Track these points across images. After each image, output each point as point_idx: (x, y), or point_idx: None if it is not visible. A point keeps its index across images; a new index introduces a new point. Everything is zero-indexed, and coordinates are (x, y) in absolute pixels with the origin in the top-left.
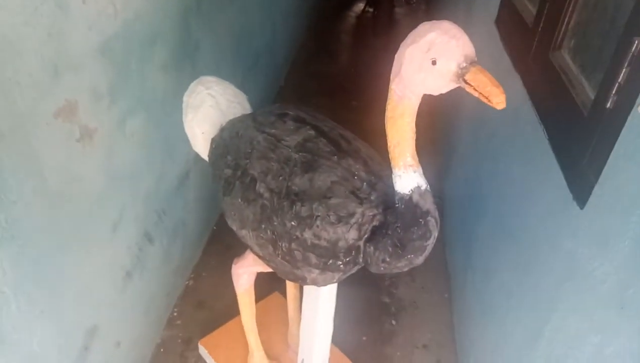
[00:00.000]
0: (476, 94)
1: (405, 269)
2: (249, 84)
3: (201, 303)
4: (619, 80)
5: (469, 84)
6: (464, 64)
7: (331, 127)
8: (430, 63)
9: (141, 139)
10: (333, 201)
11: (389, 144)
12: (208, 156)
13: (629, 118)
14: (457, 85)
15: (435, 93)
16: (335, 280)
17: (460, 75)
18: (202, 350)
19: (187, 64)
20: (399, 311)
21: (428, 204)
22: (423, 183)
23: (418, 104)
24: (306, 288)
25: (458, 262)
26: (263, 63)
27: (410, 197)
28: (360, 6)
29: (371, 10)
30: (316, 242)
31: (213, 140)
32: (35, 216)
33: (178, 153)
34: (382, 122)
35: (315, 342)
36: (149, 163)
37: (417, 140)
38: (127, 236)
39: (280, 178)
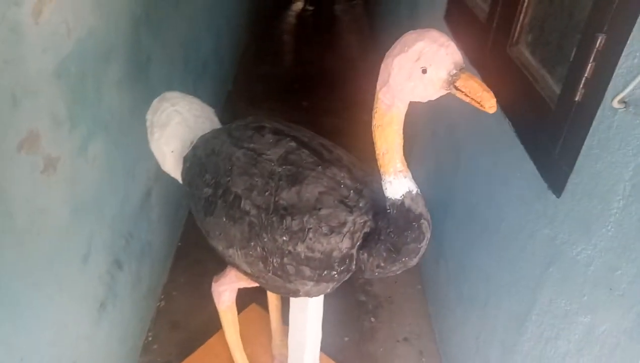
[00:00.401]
0: (467, 100)
1: (399, 272)
2: (200, 92)
3: (175, 324)
4: (586, 74)
5: (460, 90)
6: (454, 71)
7: (310, 137)
8: (421, 72)
9: (103, 162)
10: (323, 212)
11: (377, 152)
12: (182, 176)
13: (600, 110)
14: (446, 92)
15: (424, 100)
16: (329, 290)
17: (451, 83)
18: None
19: (141, 78)
20: (376, 308)
21: (420, 208)
22: (414, 188)
23: (405, 112)
24: (292, 300)
25: (428, 254)
26: (211, 69)
27: (402, 202)
28: (299, 5)
29: (311, 8)
30: (310, 254)
31: (186, 159)
32: (6, 256)
33: (139, 172)
34: (337, 121)
35: (306, 351)
36: (112, 186)
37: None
38: (98, 266)
39: (267, 193)
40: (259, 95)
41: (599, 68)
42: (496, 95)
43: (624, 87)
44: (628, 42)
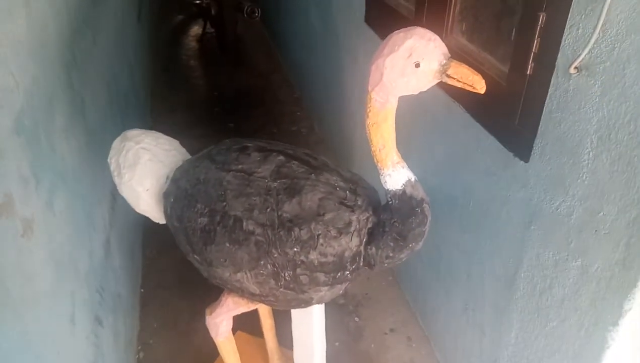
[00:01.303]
0: (460, 85)
1: (405, 259)
2: (127, 127)
3: None
4: (534, 50)
5: (452, 77)
6: (444, 61)
7: (293, 149)
8: (414, 66)
9: (69, 215)
10: (328, 216)
11: (373, 149)
12: (166, 212)
13: (553, 78)
14: (438, 81)
15: (416, 92)
16: (341, 292)
17: (442, 72)
18: None
19: (81, 122)
20: (357, 307)
21: (421, 193)
22: (412, 176)
23: (396, 107)
24: (295, 313)
25: None
26: (132, 104)
27: (404, 191)
28: (197, 29)
29: (212, 30)
30: (323, 260)
31: (168, 194)
32: (8, 332)
33: (97, 220)
34: (268, 136)
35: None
36: (79, 239)
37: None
38: (84, 325)
39: (268, 209)
40: (183, 124)
41: (545, 42)
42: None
43: (573, 56)
44: (569, 15)
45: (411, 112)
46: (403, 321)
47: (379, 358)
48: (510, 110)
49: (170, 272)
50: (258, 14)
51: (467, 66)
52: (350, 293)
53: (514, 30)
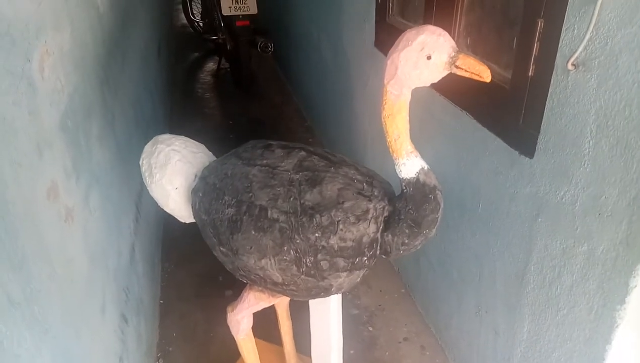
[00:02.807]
0: (467, 75)
1: (420, 247)
2: None
3: None
4: (534, 53)
5: (461, 68)
6: (453, 53)
7: (314, 147)
8: (426, 59)
9: (101, 214)
10: (347, 204)
11: (389, 139)
12: (194, 207)
13: (553, 76)
14: (448, 72)
15: (428, 84)
16: (358, 280)
17: (452, 63)
18: None
19: (110, 134)
20: (370, 317)
21: (433, 180)
22: (425, 165)
23: (409, 98)
24: (313, 305)
25: (405, 257)
26: (153, 128)
27: (418, 179)
28: (212, 65)
29: (227, 66)
30: (343, 244)
31: (196, 190)
32: (53, 304)
33: (124, 226)
34: None
35: (332, 359)
36: (109, 239)
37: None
38: (112, 318)
39: (291, 198)
40: None
41: (544, 45)
42: (452, 94)
43: (570, 54)
44: (565, 19)
45: (420, 121)
46: (416, 331)
47: None
48: (514, 112)
49: (187, 285)
50: (271, 48)
51: (474, 58)
52: (364, 304)
53: (515, 38)
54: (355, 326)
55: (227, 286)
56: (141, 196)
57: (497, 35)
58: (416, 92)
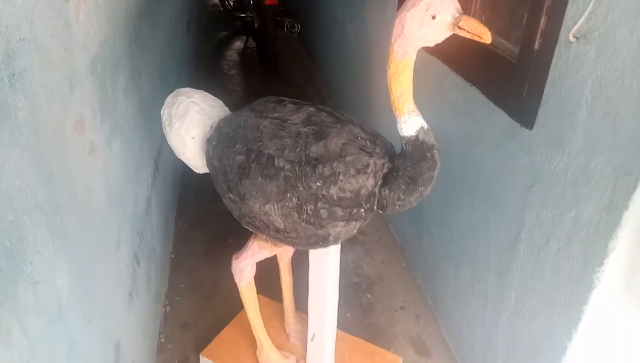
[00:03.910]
0: (469, 36)
1: (415, 204)
2: None
3: (185, 324)
4: (541, 27)
5: (463, 29)
6: (457, 15)
7: (322, 105)
8: (431, 18)
9: (122, 160)
10: (349, 158)
11: (392, 97)
12: (207, 155)
13: (557, 48)
14: (451, 33)
15: (432, 44)
16: (355, 231)
17: (455, 24)
18: (206, 362)
19: (135, 90)
20: (370, 286)
21: (432, 139)
22: (425, 124)
23: (414, 58)
24: (312, 259)
25: (408, 233)
26: None
27: (417, 137)
28: (239, 44)
29: (253, 45)
30: (342, 194)
31: (211, 139)
32: (74, 222)
33: (142, 178)
34: None
35: (326, 311)
36: (127, 185)
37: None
38: (125, 255)
39: (297, 149)
40: None
41: (551, 19)
42: (463, 69)
43: (574, 27)
44: None
45: (433, 98)
46: (413, 301)
47: (388, 331)
48: (519, 84)
49: (198, 244)
50: (297, 29)
51: (476, 20)
52: (365, 273)
53: (525, 15)
54: (355, 293)
55: (237, 248)
56: (160, 154)
57: (509, 12)
58: (429, 69)
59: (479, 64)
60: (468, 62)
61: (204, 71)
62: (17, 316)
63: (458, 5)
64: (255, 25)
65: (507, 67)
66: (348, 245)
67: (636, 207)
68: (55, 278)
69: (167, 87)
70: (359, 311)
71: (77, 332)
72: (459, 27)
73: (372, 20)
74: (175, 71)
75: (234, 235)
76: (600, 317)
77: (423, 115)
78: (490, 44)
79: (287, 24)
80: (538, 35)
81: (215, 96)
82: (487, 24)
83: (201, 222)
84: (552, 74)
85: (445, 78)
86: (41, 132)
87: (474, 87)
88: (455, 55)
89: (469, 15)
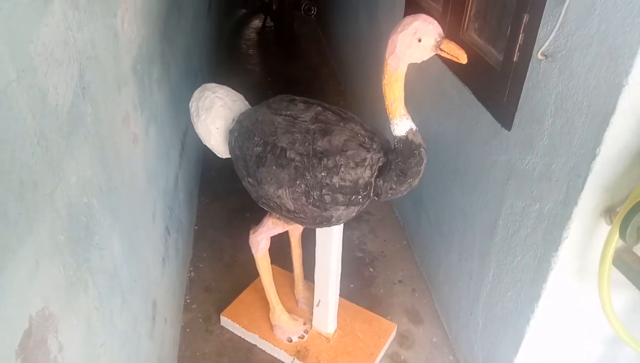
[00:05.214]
0: (448, 57)
1: (405, 193)
2: None
3: (208, 288)
4: (519, 42)
5: (444, 51)
6: (439, 39)
7: (329, 104)
8: (417, 41)
9: (156, 144)
10: (349, 153)
11: (387, 103)
12: (230, 144)
13: (530, 64)
14: (434, 54)
15: (419, 61)
16: (354, 214)
17: (437, 46)
18: (225, 321)
19: (167, 81)
20: (372, 261)
21: (419, 139)
22: (413, 126)
23: (405, 72)
24: (319, 236)
25: (409, 214)
26: (199, 80)
27: (407, 137)
28: (257, 22)
29: (271, 25)
30: (342, 183)
31: (233, 131)
32: (123, 201)
33: (172, 157)
34: None
35: (330, 281)
36: (160, 165)
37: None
38: (159, 226)
39: (306, 144)
40: None
41: (527, 36)
42: (460, 71)
43: (543, 46)
44: (543, 16)
45: (432, 96)
46: (410, 276)
47: (386, 301)
48: (502, 90)
49: (219, 217)
50: (314, 12)
51: (455, 43)
52: (368, 249)
53: (508, 28)
54: (358, 266)
55: (254, 222)
56: (186, 135)
57: (497, 22)
58: (430, 69)
59: (471, 67)
60: (463, 65)
61: (224, 52)
62: (91, 274)
63: (440, 31)
64: (273, 6)
65: (492, 73)
66: (354, 223)
67: (584, 204)
68: (112, 245)
69: (191, 71)
70: (361, 283)
71: (127, 288)
72: (441, 49)
73: (383, 10)
74: (198, 55)
75: (251, 211)
76: (557, 294)
77: (424, 110)
78: (480, 51)
79: (304, 6)
80: (517, 50)
81: (234, 75)
82: (479, 31)
83: (221, 198)
84: (527, 84)
85: (445, 77)
86: (101, 130)
87: (466, 87)
88: None
89: (464, 20)
